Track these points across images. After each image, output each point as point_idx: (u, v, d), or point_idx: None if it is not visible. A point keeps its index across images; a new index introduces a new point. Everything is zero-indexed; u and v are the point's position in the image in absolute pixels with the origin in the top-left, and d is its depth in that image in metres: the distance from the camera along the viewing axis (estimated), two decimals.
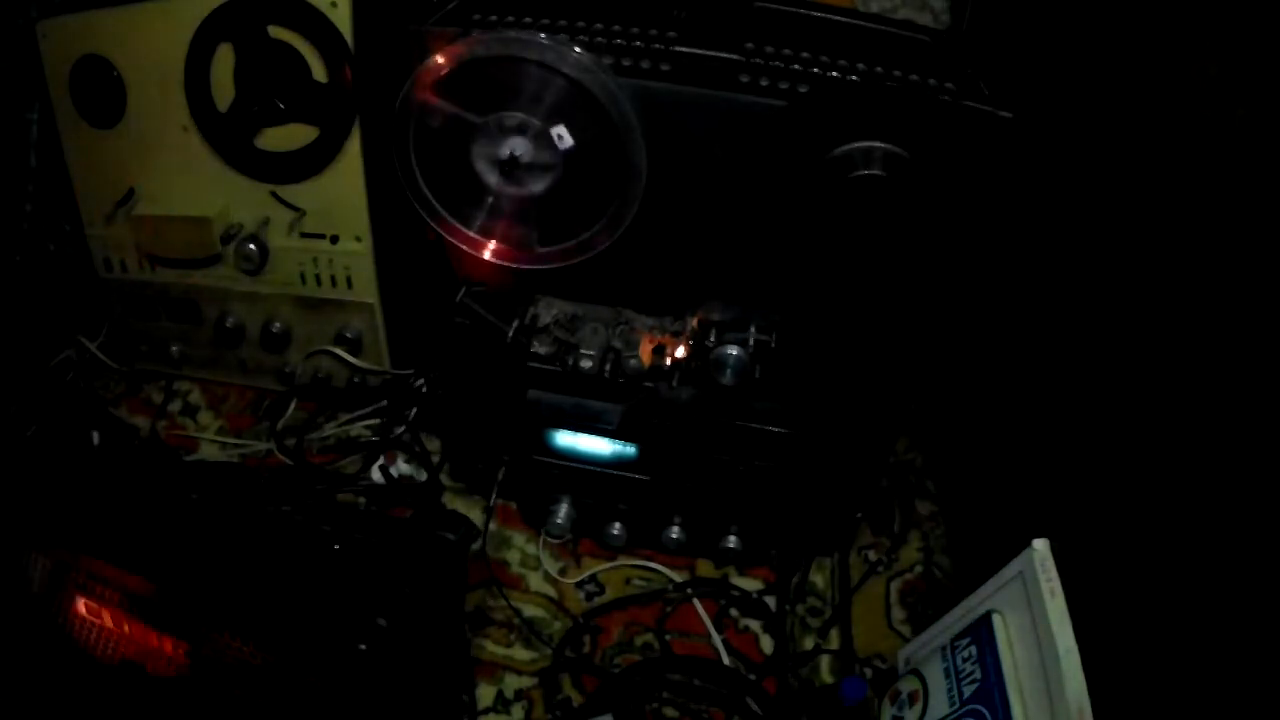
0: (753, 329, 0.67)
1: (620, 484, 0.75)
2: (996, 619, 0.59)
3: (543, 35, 0.58)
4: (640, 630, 0.76)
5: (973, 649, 0.60)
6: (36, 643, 0.60)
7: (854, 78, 0.58)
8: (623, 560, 0.81)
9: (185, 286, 0.89)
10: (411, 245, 0.79)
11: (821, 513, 0.77)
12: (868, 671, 0.73)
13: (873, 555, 0.83)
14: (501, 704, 0.72)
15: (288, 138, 0.78)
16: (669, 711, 0.70)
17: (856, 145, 0.58)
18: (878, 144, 0.57)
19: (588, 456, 0.75)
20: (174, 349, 0.93)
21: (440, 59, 0.59)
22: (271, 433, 0.89)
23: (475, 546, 0.74)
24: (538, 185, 0.63)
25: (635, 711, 0.69)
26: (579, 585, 0.80)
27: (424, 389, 0.90)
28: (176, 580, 0.59)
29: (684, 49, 0.58)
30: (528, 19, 0.60)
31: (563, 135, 0.60)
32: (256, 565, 0.60)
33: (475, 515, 0.79)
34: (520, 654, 0.75)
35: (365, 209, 0.80)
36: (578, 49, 0.57)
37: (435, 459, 0.87)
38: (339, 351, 0.88)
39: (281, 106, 0.76)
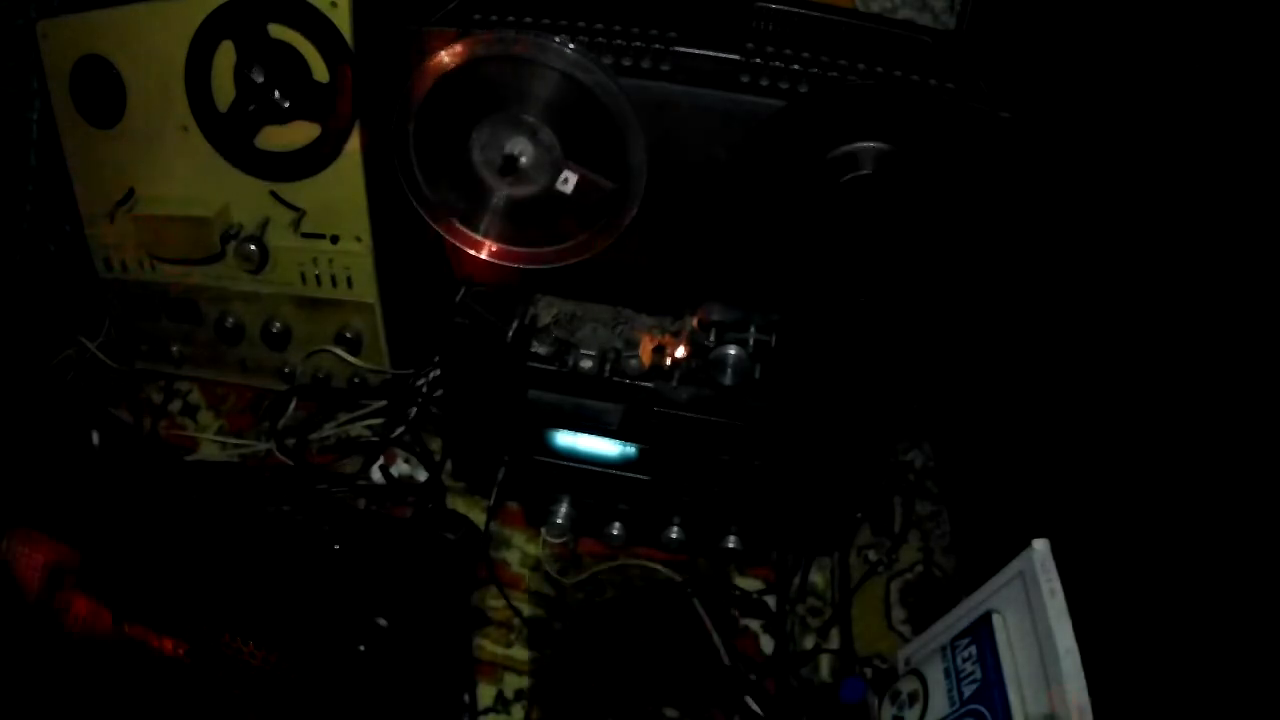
0: (753, 329, 0.67)
1: (620, 484, 0.75)
2: (996, 619, 0.59)
3: (543, 35, 0.58)
4: (640, 629, 0.76)
5: (973, 649, 0.60)
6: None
7: (854, 78, 0.58)
8: (623, 560, 0.81)
9: (185, 286, 0.88)
10: (411, 245, 0.79)
11: (821, 513, 0.77)
12: (867, 671, 0.73)
13: (873, 555, 0.83)
14: (501, 704, 0.72)
15: (288, 137, 0.77)
16: (669, 711, 0.70)
17: (857, 145, 0.58)
18: (877, 144, 0.57)
19: (588, 456, 0.75)
20: (174, 349, 0.93)
21: (440, 58, 0.59)
22: (271, 433, 0.89)
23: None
24: (537, 184, 0.62)
25: (635, 713, 0.69)
26: (579, 585, 0.80)
27: (425, 388, 0.90)
28: (176, 580, 0.59)
29: (684, 49, 0.58)
30: (528, 19, 0.60)
31: (568, 179, 0.60)
32: (257, 565, 0.60)
33: (475, 515, 0.79)
34: (520, 654, 0.75)
35: (365, 209, 0.80)
36: (578, 49, 0.57)
37: (435, 458, 0.87)
38: (339, 351, 0.88)
39: (282, 106, 0.76)
